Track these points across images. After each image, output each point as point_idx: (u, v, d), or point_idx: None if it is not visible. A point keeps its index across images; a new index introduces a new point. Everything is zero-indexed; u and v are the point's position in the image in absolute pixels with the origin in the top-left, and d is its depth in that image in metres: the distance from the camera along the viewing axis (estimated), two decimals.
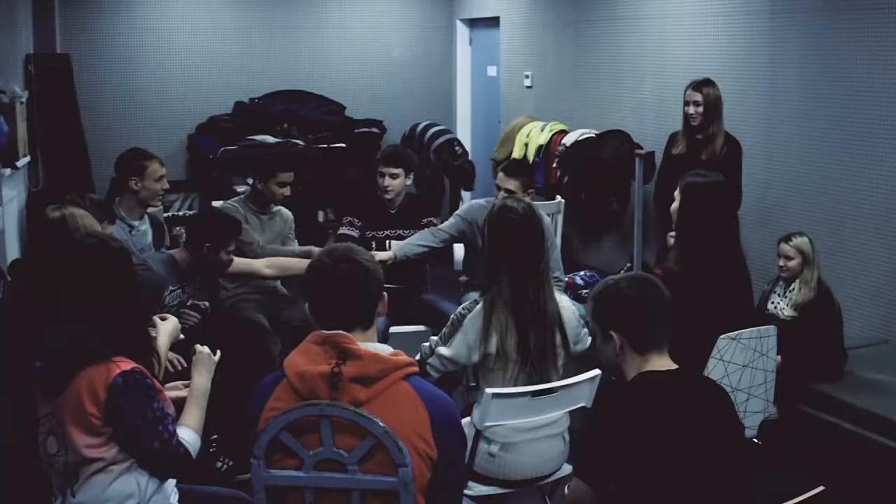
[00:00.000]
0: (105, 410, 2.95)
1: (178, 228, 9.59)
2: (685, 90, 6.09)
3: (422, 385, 2.74)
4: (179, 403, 3.30)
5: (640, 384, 2.73)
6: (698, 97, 6.00)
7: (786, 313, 5.22)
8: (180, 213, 9.82)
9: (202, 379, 3.36)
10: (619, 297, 2.83)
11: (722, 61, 7.17)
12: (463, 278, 5.96)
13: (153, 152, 5.41)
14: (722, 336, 4.04)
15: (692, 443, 2.63)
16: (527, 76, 9.86)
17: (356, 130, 10.41)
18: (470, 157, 10.11)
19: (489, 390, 3.54)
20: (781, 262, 5.26)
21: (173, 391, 3.40)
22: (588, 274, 8.16)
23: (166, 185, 5.45)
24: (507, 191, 5.67)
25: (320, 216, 10.06)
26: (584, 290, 7.74)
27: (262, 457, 2.69)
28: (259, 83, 10.41)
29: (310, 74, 10.65)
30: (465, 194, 10.28)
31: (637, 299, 2.81)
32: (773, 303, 5.33)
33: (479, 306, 3.83)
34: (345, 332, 2.72)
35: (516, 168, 5.85)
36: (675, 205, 4.50)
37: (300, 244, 9.53)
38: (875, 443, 4.75)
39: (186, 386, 3.42)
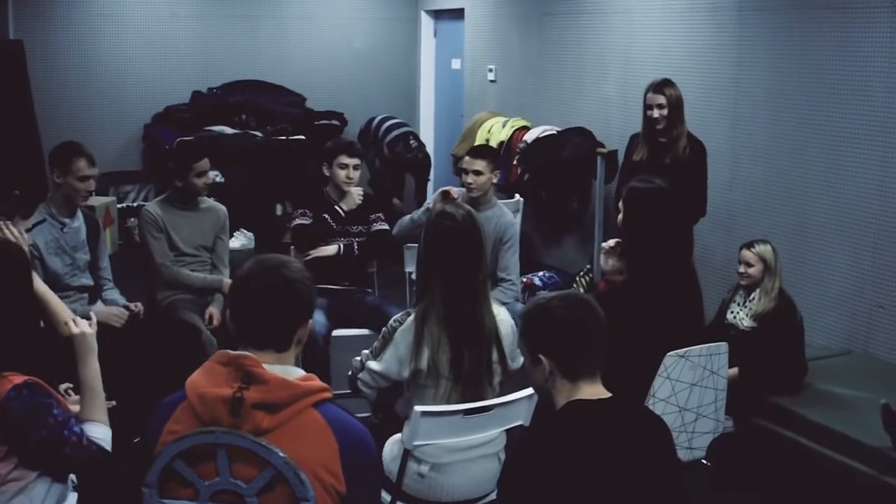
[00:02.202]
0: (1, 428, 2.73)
1: (132, 220, 9.40)
2: (645, 93, 5.83)
3: (334, 414, 2.50)
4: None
5: (568, 414, 2.50)
6: (661, 99, 5.73)
7: (745, 323, 5.07)
8: (134, 205, 9.60)
9: (89, 365, 3.11)
10: (549, 318, 2.58)
11: (688, 59, 7.01)
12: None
13: (86, 149, 5.05)
14: (669, 353, 3.82)
15: (622, 478, 2.41)
16: (490, 70, 9.67)
17: (316, 123, 10.21)
18: (427, 150, 9.93)
19: (418, 408, 3.31)
20: (742, 269, 5.11)
21: (74, 405, 3.17)
22: (547, 275, 7.96)
23: (91, 187, 5.05)
24: (476, 172, 5.60)
25: (278, 209, 9.85)
26: (543, 291, 7.54)
27: (155, 485, 2.46)
28: (218, 73, 10.20)
29: (270, 64, 10.43)
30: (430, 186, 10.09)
31: (569, 322, 2.57)
32: (732, 312, 5.17)
33: (410, 318, 3.60)
34: (251, 354, 2.48)
35: (482, 150, 5.85)
36: (620, 216, 4.29)
37: (258, 238, 9.54)
38: (833, 461, 4.58)
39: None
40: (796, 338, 5.08)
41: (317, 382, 2.51)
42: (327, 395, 2.51)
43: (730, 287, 5.34)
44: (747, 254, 5.11)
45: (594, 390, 2.54)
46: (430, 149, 10.19)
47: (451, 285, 3.55)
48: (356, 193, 5.59)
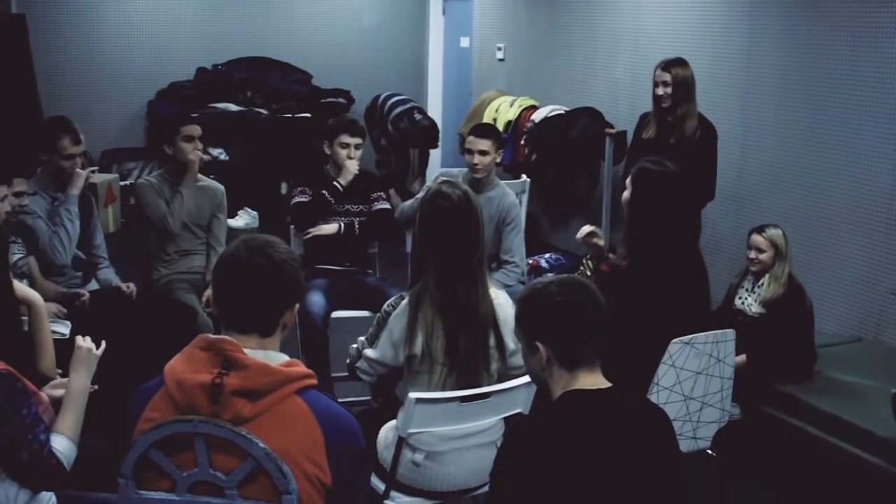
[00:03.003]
0: None
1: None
2: (655, 70, 5.75)
3: (319, 401, 2.38)
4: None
5: (565, 405, 2.38)
6: (667, 77, 5.67)
7: (754, 309, 4.93)
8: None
9: (80, 379, 3.00)
10: (547, 304, 2.46)
11: (698, 39, 6.87)
12: None
13: (71, 125, 4.91)
14: (674, 340, 3.69)
15: (620, 471, 2.29)
16: (499, 49, 9.53)
17: (322, 100, 10.09)
18: (434, 119, 9.83)
19: (412, 394, 3.20)
20: (752, 255, 4.97)
21: (56, 389, 3.05)
22: (554, 257, 7.84)
23: (77, 165, 4.90)
24: (481, 152, 5.45)
25: (283, 188, 9.75)
26: (550, 274, 7.42)
27: (131, 476, 2.35)
28: (223, 49, 10.07)
29: (276, 41, 10.30)
30: (434, 162, 9.99)
31: (567, 308, 2.44)
32: (740, 298, 5.04)
33: (403, 302, 3.48)
34: (231, 339, 2.37)
35: (487, 128, 5.77)
36: (626, 194, 4.15)
37: (262, 217, 9.43)
38: (842, 451, 4.46)
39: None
40: (806, 325, 4.95)
41: (301, 368, 2.40)
42: (311, 381, 2.39)
43: (738, 272, 5.21)
44: (758, 238, 4.97)
45: (593, 380, 2.42)
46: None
47: (445, 268, 3.43)
48: (352, 165, 5.47)
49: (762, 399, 4.78)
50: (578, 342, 2.42)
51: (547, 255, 7.88)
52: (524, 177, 7.24)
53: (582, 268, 7.42)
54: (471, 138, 5.51)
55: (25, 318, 3.58)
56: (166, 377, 2.36)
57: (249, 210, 9.51)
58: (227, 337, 2.38)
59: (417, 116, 9.39)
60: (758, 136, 6.43)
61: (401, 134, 9.40)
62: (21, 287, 3.55)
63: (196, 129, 5.37)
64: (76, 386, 2.98)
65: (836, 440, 4.50)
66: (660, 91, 5.69)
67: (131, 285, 5.05)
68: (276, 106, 9.86)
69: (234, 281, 2.43)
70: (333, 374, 5.03)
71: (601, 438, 2.32)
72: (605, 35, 8.01)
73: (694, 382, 3.80)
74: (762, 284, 4.95)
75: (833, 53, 5.83)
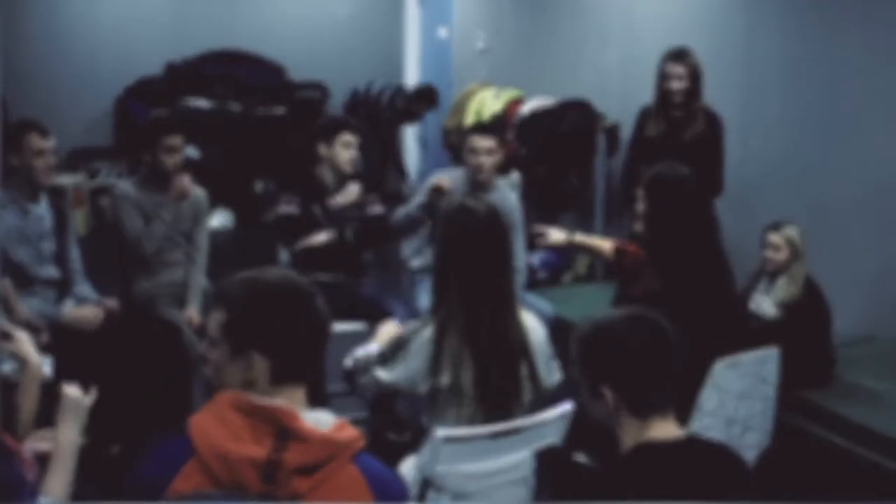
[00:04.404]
0: None
1: (104, 199, 8.95)
2: (663, 62, 5.44)
3: (372, 468, 2.13)
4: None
5: (638, 460, 2.11)
6: (681, 70, 5.35)
7: (769, 312, 4.70)
8: (106, 183, 9.15)
9: (69, 432, 2.68)
10: (614, 344, 2.20)
11: (695, 22, 6.60)
12: (416, 263, 5.36)
13: (35, 121, 4.57)
14: (719, 362, 3.44)
15: None
16: (481, 38, 9.22)
17: (297, 94, 9.81)
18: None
19: (440, 432, 2.91)
20: (769, 254, 4.75)
21: (41, 442, 2.74)
22: (545, 256, 7.57)
23: (51, 162, 4.56)
24: (488, 151, 5.11)
25: (258, 187, 9.46)
26: (541, 274, 7.17)
27: None
28: (193, 42, 9.72)
29: (248, 33, 9.98)
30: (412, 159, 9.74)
31: (639, 350, 2.18)
32: (754, 301, 4.80)
33: (427, 330, 3.19)
34: (285, 404, 2.06)
35: (488, 126, 5.37)
36: (642, 207, 3.87)
37: (237, 217, 9.14)
38: (866, 459, 4.26)
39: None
40: (825, 327, 4.76)
41: (352, 431, 2.12)
42: (362, 443, 2.12)
43: (750, 273, 4.97)
44: (774, 237, 4.74)
45: (666, 429, 2.15)
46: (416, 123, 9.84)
47: (473, 293, 3.15)
48: (354, 191, 5.17)
49: (783, 407, 4.56)
50: (651, 388, 2.15)
51: (539, 254, 7.60)
52: (514, 173, 7.00)
53: (572, 267, 7.24)
54: (475, 137, 5.18)
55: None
56: (199, 445, 2.02)
57: (224, 210, 9.20)
58: (277, 402, 2.07)
59: (407, 89, 9.11)
60: (760, 125, 6.15)
61: (398, 111, 9.13)
62: (22, 342, 3.16)
63: (178, 141, 5.05)
64: (64, 440, 2.66)
65: (862, 450, 4.29)
66: (675, 86, 5.37)
67: (111, 301, 4.72)
68: (248, 101, 9.58)
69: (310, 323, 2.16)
70: (329, 390, 4.76)
71: (680, 496, 2.05)
72: (595, 20, 7.76)
73: (737, 405, 3.57)
74: (778, 285, 4.73)
75: (843, 34, 5.57)
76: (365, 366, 3.33)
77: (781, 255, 4.71)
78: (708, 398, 3.47)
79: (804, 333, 4.60)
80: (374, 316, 4.78)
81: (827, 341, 4.76)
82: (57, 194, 5.08)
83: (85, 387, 2.81)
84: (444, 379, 3.10)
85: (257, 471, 1.98)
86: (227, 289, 2.20)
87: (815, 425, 4.51)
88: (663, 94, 5.45)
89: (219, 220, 9.16)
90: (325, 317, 2.21)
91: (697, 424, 3.43)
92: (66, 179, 8.10)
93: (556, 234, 4.30)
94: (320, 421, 2.10)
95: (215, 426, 2.03)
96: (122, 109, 9.50)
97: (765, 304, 4.75)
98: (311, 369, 2.17)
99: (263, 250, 5.84)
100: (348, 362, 3.41)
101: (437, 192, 5.09)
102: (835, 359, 4.80)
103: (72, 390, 2.75)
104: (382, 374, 3.26)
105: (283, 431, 2.02)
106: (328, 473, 2.03)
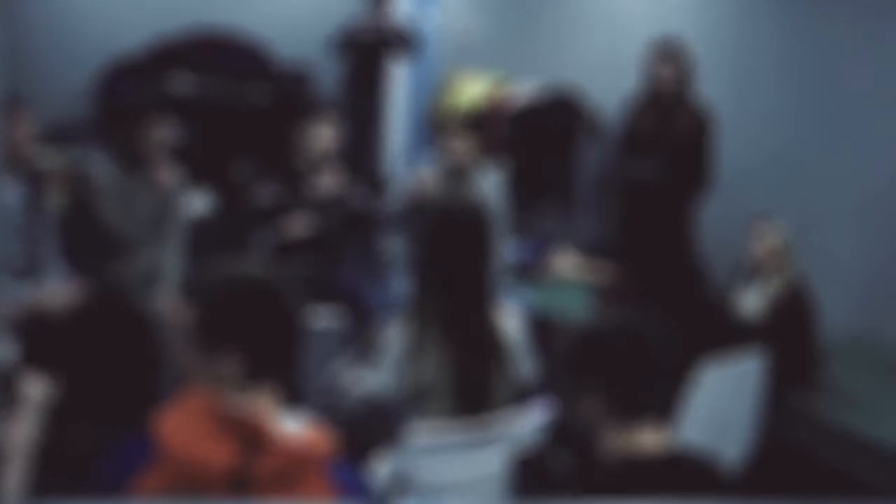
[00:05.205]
0: None
1: (76, 180, 8.78)
2: (654, 52, 5.34)
3: (342, 477, 2.04)
4: None
5: (621, 474, 1.98)
6: (676, 62, 5.28)
7: (754, 310, 4.60)
8: (79, 164, 9.00)
9: (23, 428, 2.52)
10: (603, 346, 2.11)
11: (686, 10, 6.50)
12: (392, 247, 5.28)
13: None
14: (705, 361, 3.35)
15: None
16: (468, 19, 9.05)
17: (277, 71, 9.64)
18: None
19: (412, 431, 2.80)
20: (758, 252, 4.63)
21: None
22: (520, 245, 7.46)
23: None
24: (465, 150, 5.07)
25: (236, 169, 9.31)
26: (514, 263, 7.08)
27: None
28: (172, 18, 9.52)
29: (233, 8, 9.76)
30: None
31: (628, 352, 2.09)
32: (740, 298, 4.69)
33: (402, 329, 3.08)
34: (257, 409, 1.95)
35: (472, 121, 5.32)
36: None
37: (215, 200, 8.96)
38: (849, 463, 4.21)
39: None
40: (812, 327, 4.65)
41: (325, 439, 2.01)
42: (334, 452, 2.02)
43: (731, 269, 4.86)
44: (762, 233, 4.64)
45: (655, 437, 2.03)
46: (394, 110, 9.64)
47: (455, 291, 3.05)
48: (334, 183, 5.04)
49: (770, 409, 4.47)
50: (640, 391, 2.04)
51: (515, 243, 7.50)
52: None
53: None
54: (452, 139, 5.12)
55: None
56: (164, 447, 1.90)
57: (201, 192, 9.05)
58: (251, 409, 1.95)
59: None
60: (749, 116, 6.06)
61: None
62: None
63: (164, 126, 4.91)
64: (19, 436, 2.51)
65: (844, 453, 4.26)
66: (666, 74, 5.28)
67: (81, 286, 4.58)
68: (229, 84, 9.42)
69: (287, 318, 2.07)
70: (306, 402, 4.62)
71: None
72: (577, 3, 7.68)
73: (721, 404, 3.48)
74: (766, 283, 4.63)
75: (836, 26, 5.52)
76: (344, 376, 3.27)
77: (770, 252, 4.60)
78: (692, 401, 3.36)
79: (791, 333, 4.52)
80: (355, 309, 4.67)
81: (814, 341, 4.66)
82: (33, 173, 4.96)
83: (51, 375, 2.66)
84: (418, 379, 3.00)
85: (223, 480, 1.88)
86: (198, 283, 2.12)
87: (800, 427, 4.45)
88: (656, 86, 5.36)
89: (197, 203, 9.02)
90: (297, 313, 2.11)
91: (683, 429, 3.34)
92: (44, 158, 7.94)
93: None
94: (293, 426, 1.99)
95: (180, 426, 1.93)
96: (104, 86, 9.30)
97: (751, 301, 4.65)
98: (284, 367, 2.07)
99: (241, 236, 5.71)
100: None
101: (417, 202, 5.03)
102: (820, 360, 4.70)
103: (31, 383, 2.59)
104: (364, 382, 3.14)
105: (253, 439, 1.91)
106: (297, 483, 1.94)
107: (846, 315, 5.47)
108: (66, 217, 6.06)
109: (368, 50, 8.76)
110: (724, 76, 6.15)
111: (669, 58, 5.28)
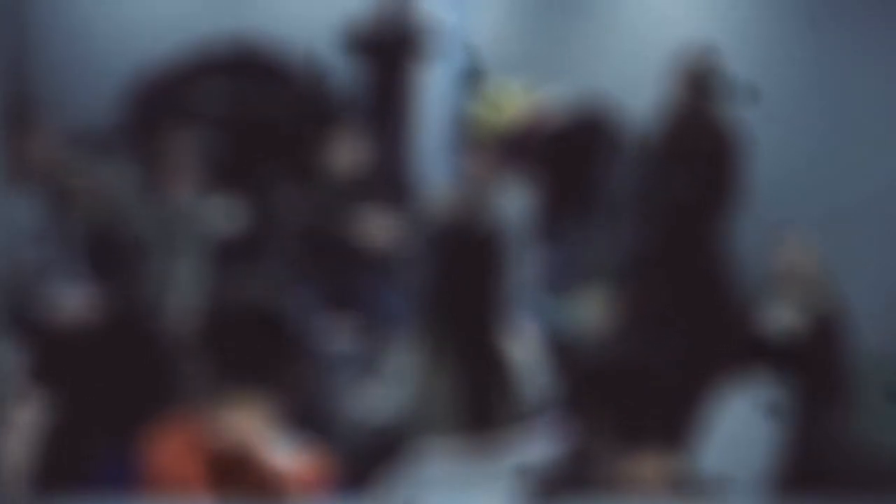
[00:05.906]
0: None
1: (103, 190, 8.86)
2: (682, 64, 5.30)
3: None
4: None
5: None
6: (704, 72, 5.26)
7: (786, 329, 4.51)
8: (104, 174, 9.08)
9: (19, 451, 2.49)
10: (602, 375, 2.10)
11: (711, 21, 6.39)
12: None
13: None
14: (726, 380, 3.29)
15: None
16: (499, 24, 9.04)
17: (304, 79, 9.67)
18: None
19: (419, 463, 2.75)
20: (783, 265, 4.54)
21: None
22: (548, 260, 7.43)
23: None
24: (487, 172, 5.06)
25: (265, 177, 9.34)
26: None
27: None
28: (201, 25, 9.56)
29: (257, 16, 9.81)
30: None
31: (627, 372, 2.05)
32: (769, 318, 4.60)
33: (410, 354, 3.05)
34: (248, 440, 1.97)
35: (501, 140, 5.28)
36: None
37: (237, 212, 8.99)
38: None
39: None
40: (844, 344, 4.60)
41: (313, 471, 2.05)
42: (322, 483, 2.04)
43: (756, 285, 4.79)
44: (788, 248, 4.62)
45: (655, 466, 1.95)
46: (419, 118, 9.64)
47: (467, 309, 3.01)
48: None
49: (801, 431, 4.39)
50: (639, 415, 1.97)
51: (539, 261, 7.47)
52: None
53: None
54: (473, 161, 5.11)
55: None
56: (148, 478, 1.96)
57: (227, 202, 9.06)
58: (241, 440, 1.96)
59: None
60: (769, 124, 5.93)
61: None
62: None
63: (186, 143, 4.90)
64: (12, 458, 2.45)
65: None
66: (691, 89, 5.25)
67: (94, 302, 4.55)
68: (250, 90, 9.47)
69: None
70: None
71: None
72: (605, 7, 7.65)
73: (740, 429, 3.40)
74: (794, 301, 4.55)
75: (863, 35, 5.55)
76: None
77: (797, 267, 4.57)
78: (713, 420, 3.33)
79: (823, 351, 4.49)
80: (373, 307, 4.60)
81: (845, 360, 4.61)
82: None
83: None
84: (425, 403, 2.95)
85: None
86: (204, 305, 2.17)
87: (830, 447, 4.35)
88: (677, 104, 5.36)
89: (219, 214, 9.05)
90: (297, 338, 2.10)
91: (701, 448, 3.27)
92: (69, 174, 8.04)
93: None
94: (284, 453, 2.00)
95: (170, 462, 1.98)
96: (129, 96, 9.36)
97: (782, 318, 4.57)
98: (281, 390, 2.07)
99: (267, 250, 5.70)
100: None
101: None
102: (854, 378, 4.66)
103: (24, 410, 2.55)
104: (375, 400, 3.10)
105: (240, 471, 1.95)
106: None
107: (874, 328, 5.39)
108: (86, 232, 6.11)
109: (384, 51, 8.46)
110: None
111: (703, 60, 5.30)
